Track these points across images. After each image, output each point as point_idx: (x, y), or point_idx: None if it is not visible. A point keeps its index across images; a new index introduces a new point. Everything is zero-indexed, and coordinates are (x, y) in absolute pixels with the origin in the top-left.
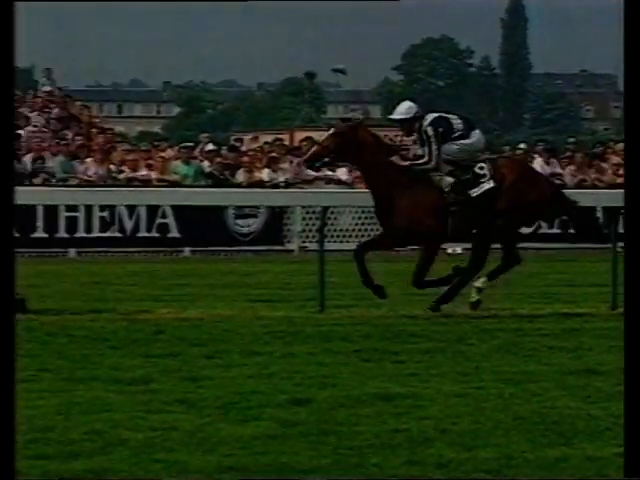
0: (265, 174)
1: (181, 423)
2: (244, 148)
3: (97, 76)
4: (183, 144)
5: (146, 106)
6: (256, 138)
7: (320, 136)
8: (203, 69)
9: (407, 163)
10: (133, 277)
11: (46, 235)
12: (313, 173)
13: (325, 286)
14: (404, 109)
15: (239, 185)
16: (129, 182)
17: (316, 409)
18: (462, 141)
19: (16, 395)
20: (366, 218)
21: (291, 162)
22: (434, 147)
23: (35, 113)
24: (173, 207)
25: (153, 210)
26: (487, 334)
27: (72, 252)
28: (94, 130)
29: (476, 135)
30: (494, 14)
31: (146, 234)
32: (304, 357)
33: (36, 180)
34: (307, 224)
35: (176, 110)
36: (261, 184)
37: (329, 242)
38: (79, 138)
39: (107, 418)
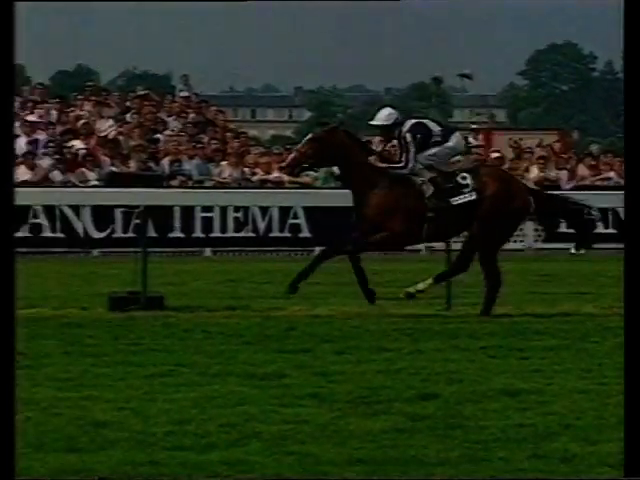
0: None
1: (313, 417)
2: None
3: (232, 82)
4: None
5: (278, 111)
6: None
7: None
8: (333, 75)
9: (384, 165)
10: (266, 275)
11: (183, 235)
12: None
13: (451, 285)
14: (384, 116)
15: None
16: (262, 184)
17: (443, 404)
18: (444, 145)
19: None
20: None
21: None
22: (411, 153)
23: (172, 118)
24: (304, 208)
25: (285, 211)
26: (610, 332)
27: (207, 251)
28: (229, 134)
29: (456, 138)
30: (617, 19)
31: (278, 234)
32: (431, 353)
33: (173, 182)
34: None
35: (307, 114)
36: None
37: (455, 242)
38: (214, 142)
39: (241, 411)
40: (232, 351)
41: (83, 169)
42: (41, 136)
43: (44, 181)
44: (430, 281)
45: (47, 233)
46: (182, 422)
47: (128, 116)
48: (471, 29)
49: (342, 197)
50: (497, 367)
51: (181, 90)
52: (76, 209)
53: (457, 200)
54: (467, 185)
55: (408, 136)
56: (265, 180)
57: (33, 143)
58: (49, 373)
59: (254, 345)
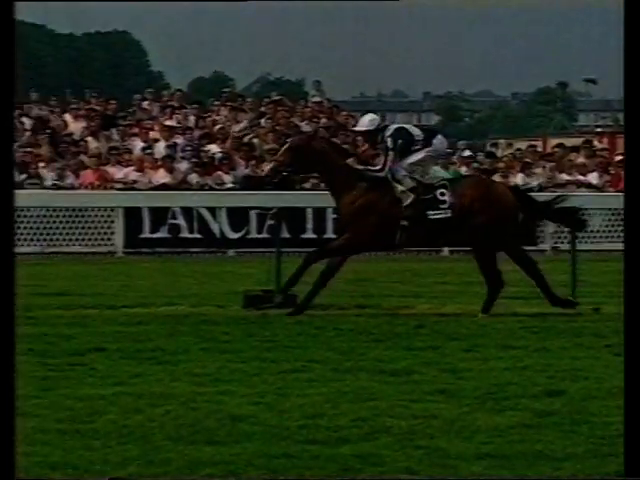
0: (519, 178)
1: (441, 412)
2: (499, 154)
3: (362, 88)
4: None
5: (407, 115)
6: (510, 145)
7: (572, 142)
8: (460, 80)
9: (362, 167)
10: (396, 275)
11: (315, 236)
12: (565, 177)
13: (577, 284)
14: (367, 121)
15: None
16: None
17: (569, 400)
18: (426, 150)
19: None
20: (616, 220)
21: (544, 167)
22: (390, 157)
23: (305, 122)
24: None
25: None
26: None
27: None
28: (360, 138)
29: (438, 140)
30: None
31: None
32: (557, 351)
33: (306, 185)
34: (559, 225)
35: (435, 119)
36: None
37: (580, 242)
38: (346, 145)
39: (372, 406)
40: (363, 348)
41: (219, 172)
42: (179, 140)
43: (182, 184)
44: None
45: (185, 234)
46: (315, 416)
47: (262, 121)
48: (595, 34)
49: None
50: (621, 365)
51: (313, 96)
52: (213, 211)
53: (433, 215)
54: (445, 201)
55: (389, 141)
56: None
57: (172, 147)
58: (187, 368)
59: (384, 342)
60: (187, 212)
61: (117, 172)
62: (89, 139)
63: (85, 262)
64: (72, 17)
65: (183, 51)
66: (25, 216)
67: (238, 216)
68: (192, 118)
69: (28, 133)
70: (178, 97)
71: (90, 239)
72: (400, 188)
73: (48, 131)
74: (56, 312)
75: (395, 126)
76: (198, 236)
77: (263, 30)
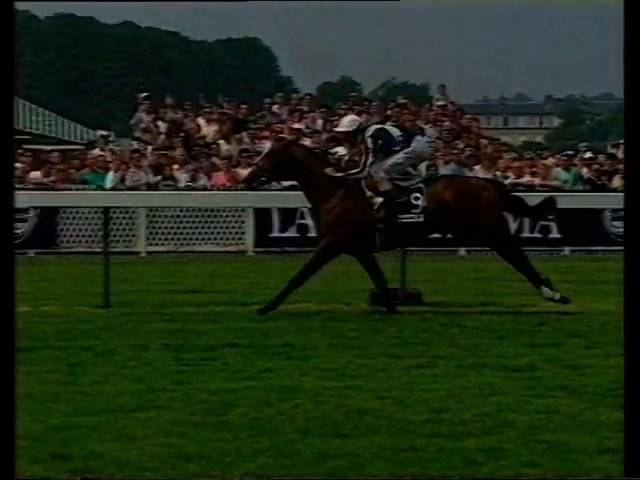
0: None
1: (563, 407)
2: (620, 156)
3: (485, 92)
4: (563, 152)
5: (529, 118)
6: None
7: None
8: (582, 83)
9: (341, 174)
10: (518, 273)
11: (439, 235)
12: None
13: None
14: (347, 122)
15: (615, 190)
16: (513, 187)
17: None
18: (403, 151)
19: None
20: None
21: None
22: (370, 158)
23: (429, 125)
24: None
25: None
26: None
27: (462, 251)
28: (483, 141)
29: (418, 141)
30: None
31: (528, 234)
32: None
33: None
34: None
35: (557, 122)
36: None
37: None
38: (469, 148)
39: (495, 402)
40: (486, 344)
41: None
42: (307, 143)
43: None
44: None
45: (312, 233)
46: (439, 411)
47: (388, 124)
48: None
49: (591, 199)
50: None
51: (437, 99)
52: None
53: (404, 218)
54: (417, 206)
55: (369, 141)
56: (516, 184)
57: None
58: (315, 364)
59: (507, 339)
60: (316, 212)
61: None
62: (221, 142)
63: (217, 261)
64: (205, 24)
65: (311, 56)
66: (160, 216)
67: None
68: (320, 121)
69: (163, 136)
70: (307, 101)
71: (222, 238)
72: (369, 193)
73: (182, 134)
74: (189, 309)
75: (375, 126)
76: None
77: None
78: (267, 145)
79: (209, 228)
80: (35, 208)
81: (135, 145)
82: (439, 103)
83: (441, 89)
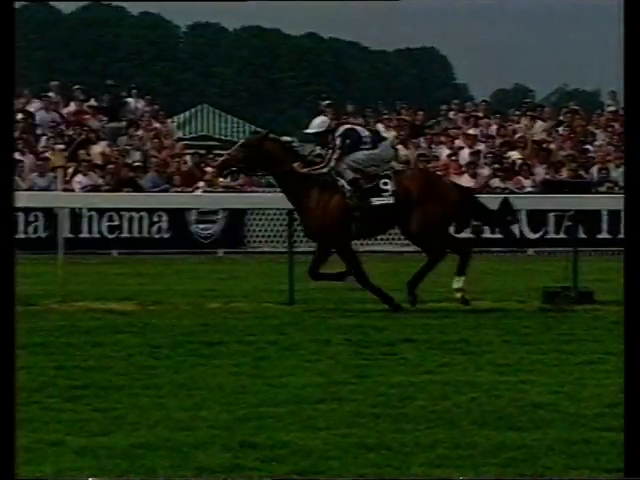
0: None
1: None
2: None
3: None
4: None
5: None
6: None
7: None
8: None
9: (306, 170)
10: None
11: (610, 236)
12: None
13: None
14: (317, 123)
15: None
16: None
17: None
18: (370, 151)
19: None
20: None
21: None
22: (335, 155)
23: (600, 130)
24: None
25: None
26: None
27: None
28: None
29: (384, 146)
30: None
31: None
32: None
33: (601, 189)
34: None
35: None
36: None
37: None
38: None
39: None
40: None
41: (519, 177)
42: (482, 148)
43: (484, 188)
44: (459, 278)
45: (487, 234)
46: (611, 405)
47: (560, 129)
48: None
49: None
50: None
51: (609, 105)
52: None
53: (376, 201)
54: (387, 190)
55: (338, 140)
56: None
57: (475, 154)
58: (490, 359)
59: None
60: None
61: None
62: (399, 147)
63: (395, 260)
64: (385, 35)
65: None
66: None
67: (537, 218)
68: (494, 127)
69: None
70: (483, 108)
71: (400, 239)
72: (342, 181)
73: None
74: (369, 306)
75: (346, 127)
76: (499, 236)
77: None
78: (443, 150)
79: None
80: (224, 210)
81: (318, 150)
82: (610, 109)
83: (612, 95)
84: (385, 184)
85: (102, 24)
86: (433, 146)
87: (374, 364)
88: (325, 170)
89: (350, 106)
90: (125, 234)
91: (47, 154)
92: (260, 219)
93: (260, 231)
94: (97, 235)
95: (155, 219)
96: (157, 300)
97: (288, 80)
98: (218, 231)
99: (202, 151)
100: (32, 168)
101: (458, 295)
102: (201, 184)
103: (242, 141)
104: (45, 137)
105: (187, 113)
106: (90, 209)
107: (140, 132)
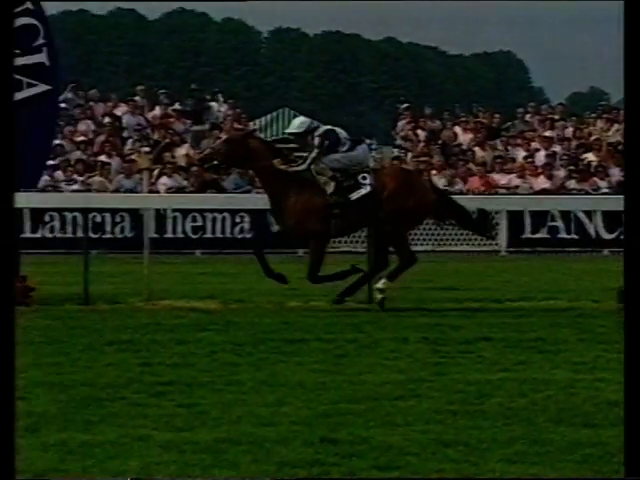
0: None
1: None
2: None
3: None
4: None
5: None
6: None
7: None
8: None
9: (285, 167)
10: None
11: None
12: None
13: None
14: (297, 124)
15: None
16: None
17: None
18: (347, 153)
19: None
20: None
21: None
22: (313, 154)
23: None
24: None
25: None
26: None
27: None
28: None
29: (361, 149)
30: None
31: None
32: None
33: None
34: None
35: None
36: None
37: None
38: None
39: None
40: None
41: (595, 178)
42: (558, 149)
43: (560, 189)
44: (384, 281)
45: (563, 235)
46: None
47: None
48: None
49: None
50: None
51: None
52: (589, 214)
53: (355, 195)
54: (365, 184)
55: (317, 140)
56: None
57: (551, 156)
58: (566, 357)
59: None
60: (565, 215)
61: (501, 179)
62: (476, 149)
63: (471, 260)
64: (463, 40)
65: (562, 68)
66: None
67: (613, 219)
68: (569, 130)
69: (422, 144)
70: (559, 110)
71: (477, 239)
72: (323, 179)
73: (440, 142)
74: (447, 305)
75: (326, 128)
76: (575, 237)
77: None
78: (519, 152)
79: (465, 229)
80: None
81: (396, 152)
82: None
83: None
84: (364, 178)
85: (186, 30)
86: (509, 148)
87: (451, 362)
88: (302, 168)
89: (428, 109)
90: (208, 234)
91: (133, 156)
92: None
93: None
94: (181, 235)
95: (237, 220)
96: (239, 299)
97: (367, 84)
98: None
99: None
100: (119, 170)
101: (379, 296)
102: None
103: (225, 137)
104: (131, 140)
105: (268, 116)
106: (175, 210)
107: (223, 135)
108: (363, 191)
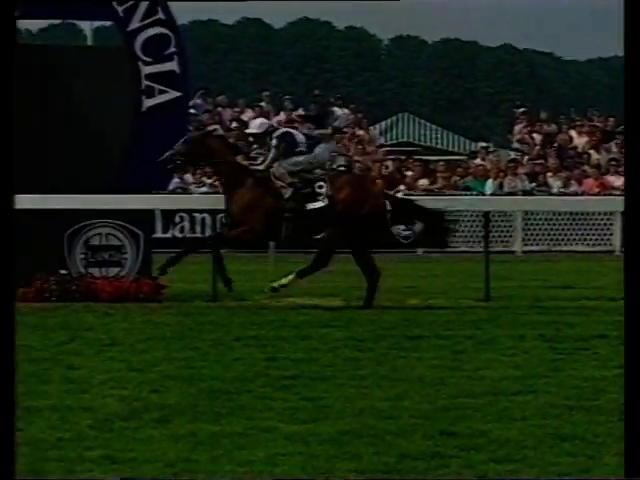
0: None
1: None
2: None
3: None
4: None
5: None
6: None
7: None
8: None
9: (247, 163)
10: None
11: None
12: None
13: None
14: (257, 124)
15: None
16: None
17: None
18: (305, 155)
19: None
20: None
21: None
22: (271, 155)
23: None
24: None
25: None
26: None
27: None
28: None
29: (320, 149)
30: None
31: None
32: None
33: None
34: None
35: None
36: None
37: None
38: None
39: None
40: None
41: None
42: None
43: None
44: (292, 277)
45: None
46: None
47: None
48: None
49: None
50: None
51: None
52: None
53: (311, 205)
54: (322, 193)
55: (274, 141)
56: None
57: None
58: None
59: None
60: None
61: (616, 180)
62: (591, 152)
63: (586, 259)
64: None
65: None
66: (534, 219)
67: None
68: None
69: (538, 147)
70: None
71: (591, 239)
72: (280, 183)
73: (555, 145)
74: (562, 303)
75: (283, 130)
76: None
77: None
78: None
79: (579, 230)
80: None
81: (512, 155)
82: None
83: None
84: (320, 187)
85: (310, 38)
86: (624, 151)
87: (568, 358)
88: (262, 167)
89: (543, 113)
90: None
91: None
92: (457, 221)
93: (457, 232)
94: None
95: None
96: (360, 296)
97: (484, 89)
98: (418, 232)
99: (402, 157)
100: None
101: (276, 284)
102: (402, 187)
103: (186, 137)
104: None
105: (389, 121)
106: None
107: (345, 139)
108: (320, 203)
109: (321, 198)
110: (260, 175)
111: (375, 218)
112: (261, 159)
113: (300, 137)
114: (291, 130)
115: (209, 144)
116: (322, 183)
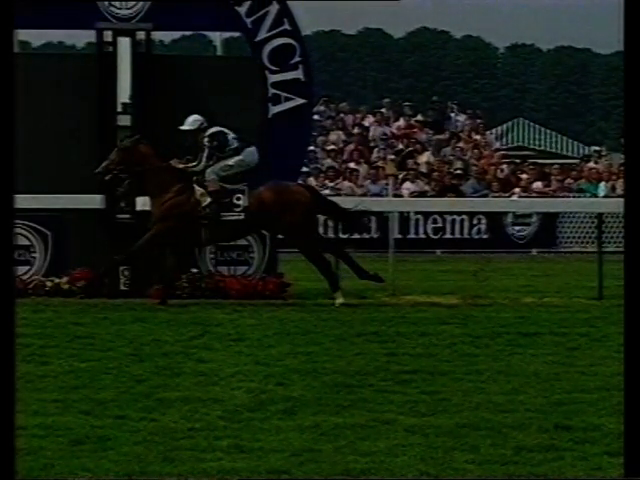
0: None
1: None
2: None
3: None
4: None
5: None
6: None
7: None
8: None
9: (182, 166)
10: None
11: None
12: None
13: None
14: (190, 121)
15: None
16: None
17: None
18: (235, 158)
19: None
20: None
21: None
22: (205, 155)
23: None
24: None
25: None
26: None
27: None
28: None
29: (249, 152)
30: None
31: None
32: None
33: None
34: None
35: None
36: None
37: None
38: None
39: None
40: None
41: None
42: None
43: None
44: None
45: None
46: None
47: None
48: None
49: None
50: None
51: None
52: None
53: (227, 216)
54: (239, 205)
55: (206, 140)
56: None
57: None
58: None
59: None
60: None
61: None
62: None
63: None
64: None
65: None
66: None
67: None
68: None
69: None
70: None
71: None
72: (200, 191)
73: None
74: None
75: (215, 129)
76: None
77: None
78: None
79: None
80: (537, 213)
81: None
82: None
83: None
84: (238, 199)
85: (428, 47)
86: None
87: None
88: (198, 168)
89: None
90: (448, 235)
91: (380, 164)
92: (571, 222)
93: (571, 232)
94: (423, 236)
95: (475, 222)
96: (477, 295)
97: (597, 95)
98: (532, 232)
99: (518, 160)
100: (366, 176)
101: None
102: (517, 190)
103: (118, 146)
104: (377, 149)
105: (504, 126)
106: (417, 213)
107: (462, 143)
108: (235, 217)
109: (237, 211)
110: (194, 178)
111: (295, 227)
112: (196, 162)
113: (232, 136)
114: (223, 129)
115: (141, 151)
116: (240, 195)
